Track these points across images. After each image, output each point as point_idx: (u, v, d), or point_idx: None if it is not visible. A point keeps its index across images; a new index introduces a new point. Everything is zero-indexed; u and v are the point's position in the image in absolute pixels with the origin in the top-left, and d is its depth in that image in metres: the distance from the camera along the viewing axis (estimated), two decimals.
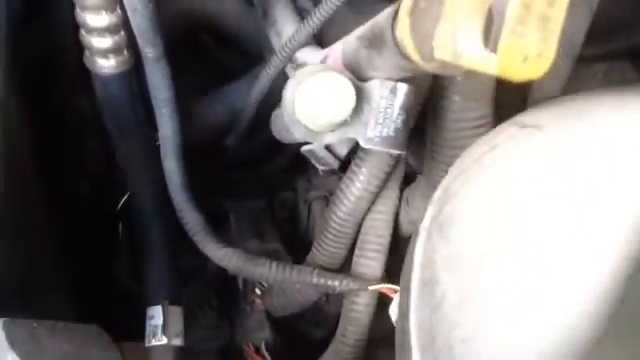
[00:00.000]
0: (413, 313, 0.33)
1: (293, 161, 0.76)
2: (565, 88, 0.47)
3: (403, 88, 0.39)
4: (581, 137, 0.30)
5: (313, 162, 0.48)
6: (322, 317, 0.72)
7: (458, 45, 0.27)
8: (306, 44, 0.53)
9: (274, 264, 0.57)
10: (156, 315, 0.63)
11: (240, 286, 0.71)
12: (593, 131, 0.30)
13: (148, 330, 0.63)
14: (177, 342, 0.62)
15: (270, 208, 0.77)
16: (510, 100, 0.45)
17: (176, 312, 0.64)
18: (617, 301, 0.25)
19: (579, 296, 0.26)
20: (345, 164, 0.53)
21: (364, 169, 0.52)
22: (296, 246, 0.72)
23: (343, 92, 0.37)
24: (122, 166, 0.61)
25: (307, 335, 0.74)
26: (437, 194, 0.35)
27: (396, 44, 0.32)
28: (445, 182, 0.36)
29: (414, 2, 0.30)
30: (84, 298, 0.60)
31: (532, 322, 0.27)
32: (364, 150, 0.50)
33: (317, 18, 0.48)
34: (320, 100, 0.37)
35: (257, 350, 0.71)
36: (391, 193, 0.55)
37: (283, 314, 0.68)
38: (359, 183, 0.53)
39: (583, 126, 0.31)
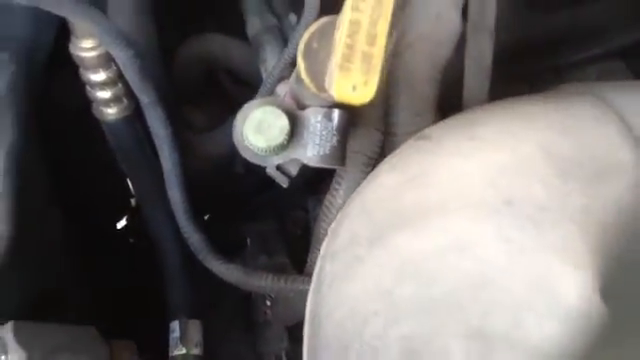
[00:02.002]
0: None
1: (303, 184, 0.84)
2: None
3: (336, 113, 0.47)
4: (455, 147, 0.37)
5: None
6: None
7: (325, 79, 0.35)
8: (282, 79, 0.62)
9: (270, 276, 0.65)
10: (176, 329, 0.73)
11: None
12: (467, 141, 0.37)
13: (171, 342, 0.73)
14: (196, 351, 0.72)
15: (282, 227, 0.86)
16: None
17: (195, 325, 0.73)
18: None
19: None
20: None
21: (343, 185, 0.60)
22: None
23: (277, 120, 0.45)
24: (137, 199, 0.71)
25: None
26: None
27: (301, 79, 0.40)
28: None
29: (307, 46, 0.38)
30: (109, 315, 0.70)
31: None
32: (341, 169, 0.58)
33: (288, 55, 0.57)
34: (259, 128, 0.45)
35: None
36: None
37: (293, 322, 0.76)
38: (339, 198, 0.60)
39: (460, 138, 0.38)
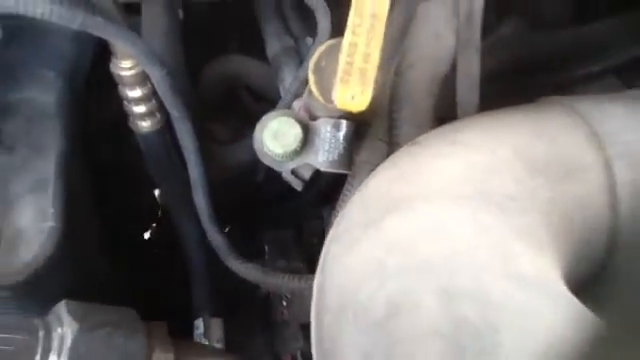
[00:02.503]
0: None
1: (320, 195, 0.92)
2: None
3: (343, 124, 0.55)
4: (438, 150, 0.44)
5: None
6: None
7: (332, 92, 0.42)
8: (298, 96, 0.69)
9: (286, 275, 0.72)
10: (200, 326, 0.80)
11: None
12: (449, 145, 0.44)
13: (195, 339, 0.80)
14: (218, 347, 0.79)
15: (300, 236, 0.93)
16: None
17: (217, 322, 0.81)
18: None
19: None
20: None
21: (352, 191, 0.67)
22: None
23: (292, 129, 0.53)
24: (166, 205, 0.79)
25: None
26: None
27: (311, 92, 0.48)
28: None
29: (316, 63, 0.46)
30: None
31: None
32: (351, 175, 0.65)
33: (303, 74, 0.65)
34: (276, 136, 0.53)
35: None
36: None
37: (308, 320, 0.82)
38: None
39: (444, 142, 0.45)
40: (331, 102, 0.46)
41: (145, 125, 0.71)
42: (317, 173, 0.60)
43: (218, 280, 0.82)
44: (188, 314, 0.83)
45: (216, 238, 0.74)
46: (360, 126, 0.57)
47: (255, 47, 0.88)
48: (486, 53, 0.77)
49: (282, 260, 0.86)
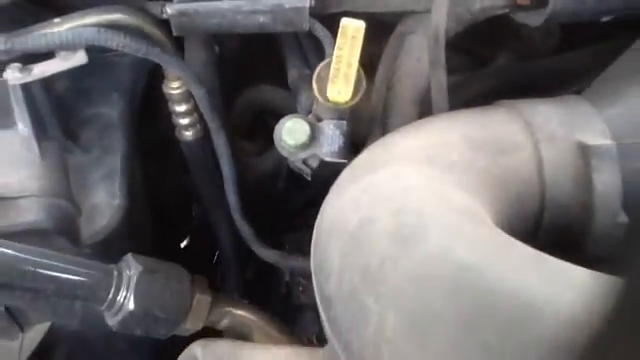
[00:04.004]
0: None
1: None
2: None
3: (342, 123, 0.73)
4: (404, 135, 0.61)
5: (303, 174, 0.81)
6: None
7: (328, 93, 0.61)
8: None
9: (301, 257, 0.89)
10: None
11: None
12: (414, 131, 0.62)
13: None
14: None
15: None
16: None
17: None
18: None
19: None
20: None
21: None
22: None
23: (302, 127, 0.71)
24: (205, 204, 0.98)
25: None
26: None
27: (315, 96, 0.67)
28: None
29: (318, 75, 0.65)
30: None
31: None
32: None
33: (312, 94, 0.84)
34: (290, 132, 0.71)
35: (312, 343, 1.02)
36: None
37: None
38: None
39: (410, 130, 0.62)
40: (328, 100, 0.64)
41: (188, 134, 0.90)
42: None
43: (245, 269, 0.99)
44: None
45: (245, 230, 0.92)
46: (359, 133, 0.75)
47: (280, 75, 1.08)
48: (468, 83, 0.94)
49: (300, 255, 1.03)
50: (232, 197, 0.92)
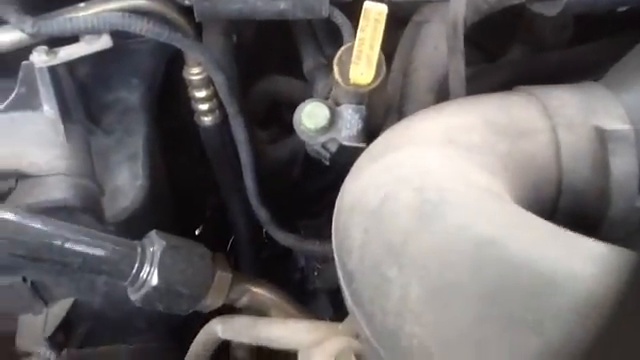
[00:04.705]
0: None
1: None
2: None
3: (361, 108, 0.74)
4: (425, 116, 0.63)
5: (322, 159, 0.82)
6: None
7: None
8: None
9: (317, 241, 0.90)
10: None
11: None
12: (435, 113, 0.63)
13: None
14: None
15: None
16: None
17: None
18: None
19: None
20: None
21: None
22: None
23: (322, 110, 0.72)
24: (222, 190, 0.99)
25: None
26: None
27: (336, 80, 0.68)
28: None
29: (339, 58, 0.66)
30: None
31: None
32: None
33: (330, 82, 0.85)
34: (310, 115, 0.73)
35: None
36: None
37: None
38: None
39: (431, 112, 0.64)
40: (349, 84, 0.65)
41: (207, 120, 0.92)
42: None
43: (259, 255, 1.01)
44: None
45: (262, 213, 0.93)
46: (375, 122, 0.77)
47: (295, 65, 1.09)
48: (483, 74, 0.95)
49: (316, 241, 1.04)
50: (249, 182, 0.93)
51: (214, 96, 0.90)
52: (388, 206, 0.50)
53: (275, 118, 1.18)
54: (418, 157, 0.55)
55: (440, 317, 0.44)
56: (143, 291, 0.68)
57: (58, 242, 0.62)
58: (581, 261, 0.44)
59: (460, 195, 0.50)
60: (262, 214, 0.93)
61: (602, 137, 0.61)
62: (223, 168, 0.98)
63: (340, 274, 0.55)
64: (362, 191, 0.54)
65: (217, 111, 0.92)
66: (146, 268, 0.68)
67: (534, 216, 0.51)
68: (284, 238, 0.92)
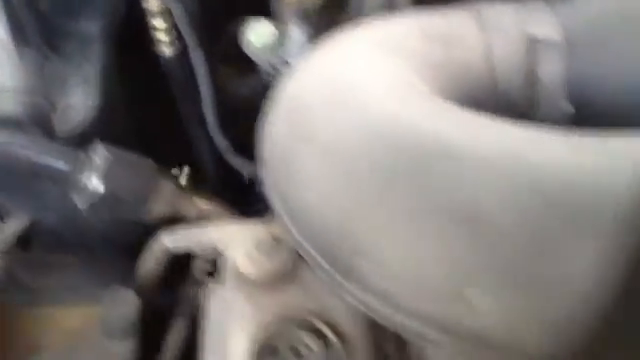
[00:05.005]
0: None
1: None
2: None
3: (307, 26, 0.75)
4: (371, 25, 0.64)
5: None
6: None
7: None
8: None
9: None
10: None
11: None
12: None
13: None
14: None
15: None
16: None
17: None
18: None
19: None
20: None
21: None
22: None
23: (267, 29, 0.74)
24: (183, 118, 1.01)
25: None
26: None
27: None
28: None
29: None
30: None
31: None
32: None
33: None
34: (257, 34, 0.74)
35: None
36: None
37: None
38: None
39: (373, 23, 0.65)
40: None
41: (167, 50, 0.93)
42: None
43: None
44: None
45: (221, 142, 0.95)
46: None
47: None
48: None
49: None
50: (209, 114, 0.95)
51: (174, 27, 0.91)
52: (302, 98, 0.52)
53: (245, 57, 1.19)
54: (351, 50, 0.57)
55: (345, 185, 0.45)
56: (88, 198, 0.70)
57: (5, 148, 0.64)
58: (483, 136, 0.46)
59: (372, 86, 0.51)
60: (220, 142, 0.95)
61: (533, 47, 0.63)
62: (184, 98, 0.99)
63: (260, 166, 0.57)
64: (285, 89, 0.56)
65: (177, 42, 0.93)
66: (90, 175, 0.70)
67: (453, 105, 0.52)
68: (242, 164, 0.95)
